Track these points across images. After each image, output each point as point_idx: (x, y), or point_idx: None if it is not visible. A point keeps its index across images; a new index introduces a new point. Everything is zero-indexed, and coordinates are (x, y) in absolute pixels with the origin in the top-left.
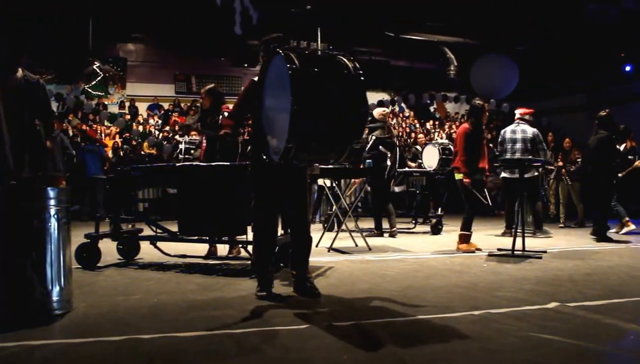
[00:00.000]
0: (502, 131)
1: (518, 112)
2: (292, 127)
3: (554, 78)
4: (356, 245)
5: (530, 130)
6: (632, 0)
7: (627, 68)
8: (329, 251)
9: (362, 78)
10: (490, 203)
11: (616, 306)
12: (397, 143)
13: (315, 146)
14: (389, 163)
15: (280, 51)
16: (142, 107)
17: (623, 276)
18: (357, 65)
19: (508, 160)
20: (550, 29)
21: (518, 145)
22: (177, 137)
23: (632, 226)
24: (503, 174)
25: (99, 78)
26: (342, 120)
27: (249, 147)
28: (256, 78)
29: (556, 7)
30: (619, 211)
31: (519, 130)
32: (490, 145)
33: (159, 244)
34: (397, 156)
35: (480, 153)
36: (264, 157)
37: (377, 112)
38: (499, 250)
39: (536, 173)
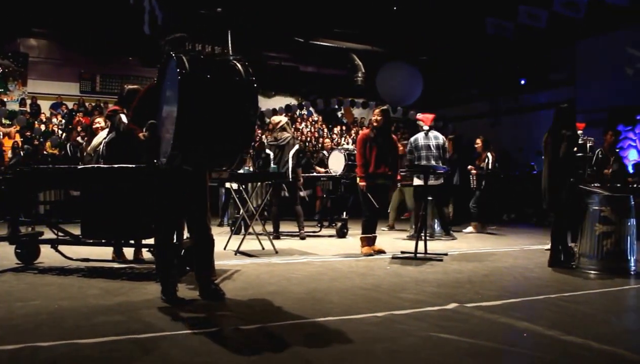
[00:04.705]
0: (414, 138)
1: (426, 118)
2: (178, 133)
3: (456, 87)
4: (263, 248)
5: (441, 137)
6: (526, 16)
7: (522, 80)
8: (235, 254)
9: (254, 85)
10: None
11: (511, 306)
12: (291, 145)
13: (203, 152)
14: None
15: (173, 54)
16: (45, 106)
17: (517, 277)
18: (251, 71)
19: (418, 167)
20: (453, 40)
21: (433, 152)
22: (78, 138)
23: (474, 230)
24: (417, 180)
25: None
26: (231, 127)
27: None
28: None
29: (458, 20)
30: (476, 213)
31: (432, 136)
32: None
33: (60, 248)
34: (289, 159)
35: (379, 156)
36: (155, 161)
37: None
38: (402, 252)
39: (441, 180)
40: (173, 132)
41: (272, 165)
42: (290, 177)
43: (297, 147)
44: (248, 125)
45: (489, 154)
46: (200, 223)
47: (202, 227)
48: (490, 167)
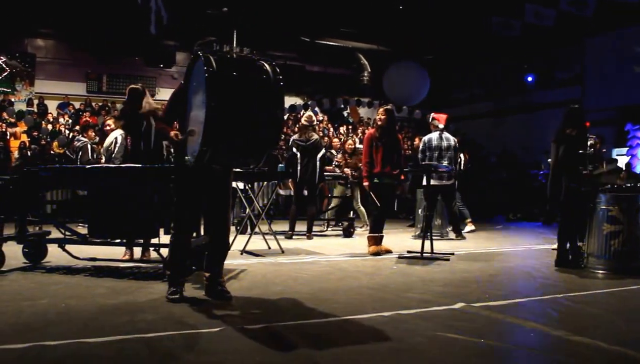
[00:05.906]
0: (427, 138)
1: (440, 117)
2: (206, 131)
3: (460, 86)
4: (269, 248)
5: (452, 139)
6: (533, 14)
7: (529, 78)
8: (242, 253)
9: (281, 83)
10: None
11: (518, 306)
12: (319, 148)
13: (231, 150)
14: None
15: (201, 54)
16: (52, 105)
17: (525, 276)
18: (278, 70)
19: (421, 166)
20: (458, 39)
21: (444, 153)
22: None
23: (473, 227)
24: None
25: (6, 73)
26: (258, 125)
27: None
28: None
29: (463, 19)
30: (464, 212)
31: (444, 138)
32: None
33: (67, 247)
34: (316, 160)
35: (385, 156)
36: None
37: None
38: (409, 252)
39: (452, 180)
40: (201, 130)
41: (298, 166)
42: (317, 179)
43: (323, 151)
44: (275, 123)
45: (461, 155)
46: (220, 224)
47: (221, 228)
48: (462, 167)
